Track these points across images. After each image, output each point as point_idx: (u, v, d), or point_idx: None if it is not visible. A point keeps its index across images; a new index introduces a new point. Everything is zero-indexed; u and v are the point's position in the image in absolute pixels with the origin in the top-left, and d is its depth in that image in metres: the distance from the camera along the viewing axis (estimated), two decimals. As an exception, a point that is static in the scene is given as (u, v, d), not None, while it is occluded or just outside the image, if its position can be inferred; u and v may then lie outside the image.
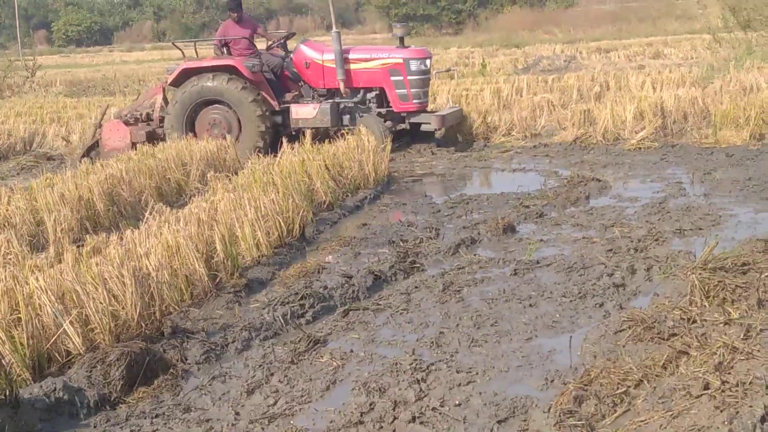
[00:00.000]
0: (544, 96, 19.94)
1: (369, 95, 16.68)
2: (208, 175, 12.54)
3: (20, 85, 37.39)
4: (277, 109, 16.45)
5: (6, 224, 9.81)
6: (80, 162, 15.89)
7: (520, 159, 15.54)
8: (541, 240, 9.41)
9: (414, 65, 16.41)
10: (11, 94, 35.26)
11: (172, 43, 20.36)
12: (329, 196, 11.63)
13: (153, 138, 16.71)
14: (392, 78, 16.41)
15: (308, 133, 14.60)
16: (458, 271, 8.41)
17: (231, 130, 16.27)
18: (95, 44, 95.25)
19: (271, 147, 15.44)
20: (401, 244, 9.46)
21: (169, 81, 16.96)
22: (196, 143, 14.75)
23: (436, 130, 16.86)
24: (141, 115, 17.22)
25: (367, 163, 13.01)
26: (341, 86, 16.51)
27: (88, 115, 22.08)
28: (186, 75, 16.55)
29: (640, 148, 15.53)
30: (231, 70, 16.22)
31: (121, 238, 8.55)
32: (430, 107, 17.48)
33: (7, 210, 10.22)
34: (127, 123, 17.03)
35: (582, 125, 17.03)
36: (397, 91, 16.43)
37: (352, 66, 16.58)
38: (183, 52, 17.98)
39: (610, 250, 8.69)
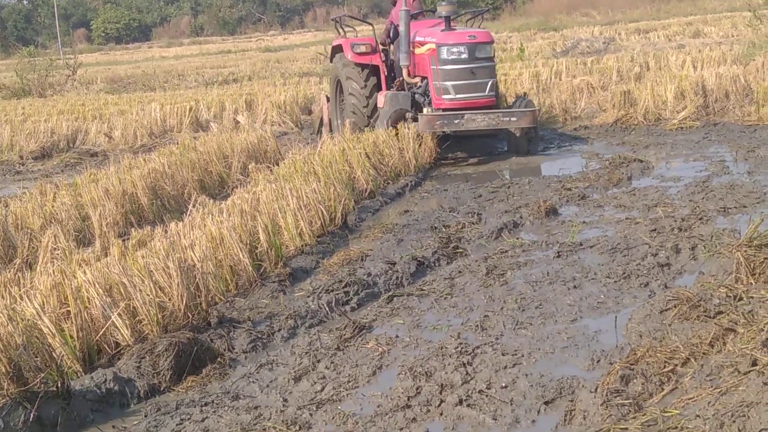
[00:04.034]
0: (583, 78, 19.83)
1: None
2: (250, 167, 12.64)
3: (62, 84, 37.78)
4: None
5: (53, 220, 9.94)
6: (318, 136, 16.36)
7: (561, 141, 15.46)
8: (584, 222, 9.38)
9: (445, 52, 13.90)
10: (53, 92, 35.63)
11: (332, 19, 18.85)
12: (370, 184, 11.66)
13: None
14: (431, 66, 14.12)
15: (348, 122, 14.59)
16: (501, 255, 8.41)
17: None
18: (134, 41, 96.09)
19: None
20: (443, 229, 9.47)
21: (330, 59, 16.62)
22: (237, 136, 14.85)
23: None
24: None
25: (407, 150, 13.02)
26: (404, 73, 14.68)
27: (129, 111, 22.26)
28: (335, 53, 16.10)
29: (681, 128, 15.45)
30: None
31: (166, 231, 8.65)
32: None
33: (53, 206, 10.35)
34: (328, 99, 17.06)
35: (622, 106, 16.95)
36: (433, 82, 14.17)
37: (415, 50, 14.60)
38: (348, 29, 16.87)
39: (654, 230, 8.64)
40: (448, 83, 13.94)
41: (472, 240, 9.02)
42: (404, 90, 14.76)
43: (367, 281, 7.78)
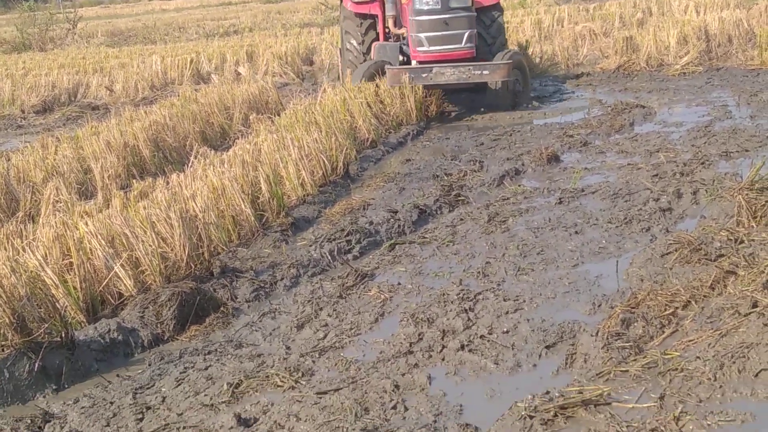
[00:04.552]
0: (585, 25, 19.74)
1: None
2: (251, 118, 12.62)
3: (62, 38, 37.63)
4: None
5: (54, 173, 9.94)
6: (340, 80, 15.50)
7: (563, 88, 15.39)
8: (586, 168, 9.36)
9: (418, 2, 13.36)
10: (54, 46, 35.50)
11: None
12: (372, 134, 11.64)
13: None
14: (408, 17, 13.63)
15: (348, 71, 14.49)
16: (503, 202, 8.41)
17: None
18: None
19: None
20: (445, 177, 9.46)
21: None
22: (238, 87, 14.80)
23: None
24: None
25: (408, 99, 12.95)
26: (390, 23, 14.29)
27: (130, 65, 22.20)
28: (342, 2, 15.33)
29: (684, 73, 15.36)
30: None
31: (167, 182, 8.65)
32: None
33: (54, 159, 10.35)
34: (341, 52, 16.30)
35: (625, 52, 16.84)
36: (410, 33, 13.67)
37: (402, 1, 14.05)
38: None
39: (656, 175, 8.63)
40: (422, 35, 13.39)
41: (473, 187, 9.02)
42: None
43: (369, 230, 7.79)
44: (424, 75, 13.01)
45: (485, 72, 13.06)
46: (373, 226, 7.87)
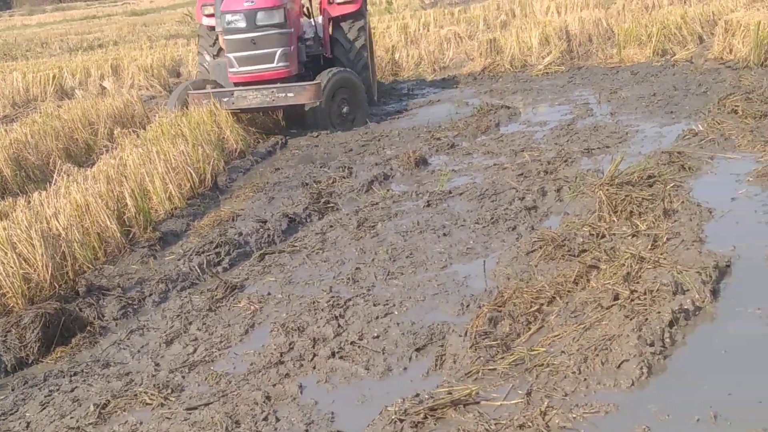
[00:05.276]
0: (450, 28, 19.96)
1: None
2: (116, 132, 12.39)
3: None
4: None
5: None
6: None
7: (430, 92, 15.53)
8: (453, 170, 9.46)
9: (224, 21, 12.52)
10: None
11: None
12: (240, 144, 11.54)
13: None
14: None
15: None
16: (372, 207, 8.44)
17: None
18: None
19: None
20: (315, 185, 9.44)
21: None
22: (102, 101, 14.52)
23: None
24: None
25: (277, 109, 12.89)
26: (220, 40, 13.28)
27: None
28: None
29: (547, 73, 15.66)
30: None
31: (29, 201, 8.42)
32: None
33: None
34: None
35: (489, 54, 17.08)
36: (225, 53, 12.92)
37: None
38: None
39: (521, 174, 8.77)
40: (231, 55, 12.57)
41: (343, 194, 9.03)
42: None
43: (239, 241, 7.73)
44: (225, 99, 12.21)
45: (290, 94, 12.22)
46: (242, 237, 7.81)
